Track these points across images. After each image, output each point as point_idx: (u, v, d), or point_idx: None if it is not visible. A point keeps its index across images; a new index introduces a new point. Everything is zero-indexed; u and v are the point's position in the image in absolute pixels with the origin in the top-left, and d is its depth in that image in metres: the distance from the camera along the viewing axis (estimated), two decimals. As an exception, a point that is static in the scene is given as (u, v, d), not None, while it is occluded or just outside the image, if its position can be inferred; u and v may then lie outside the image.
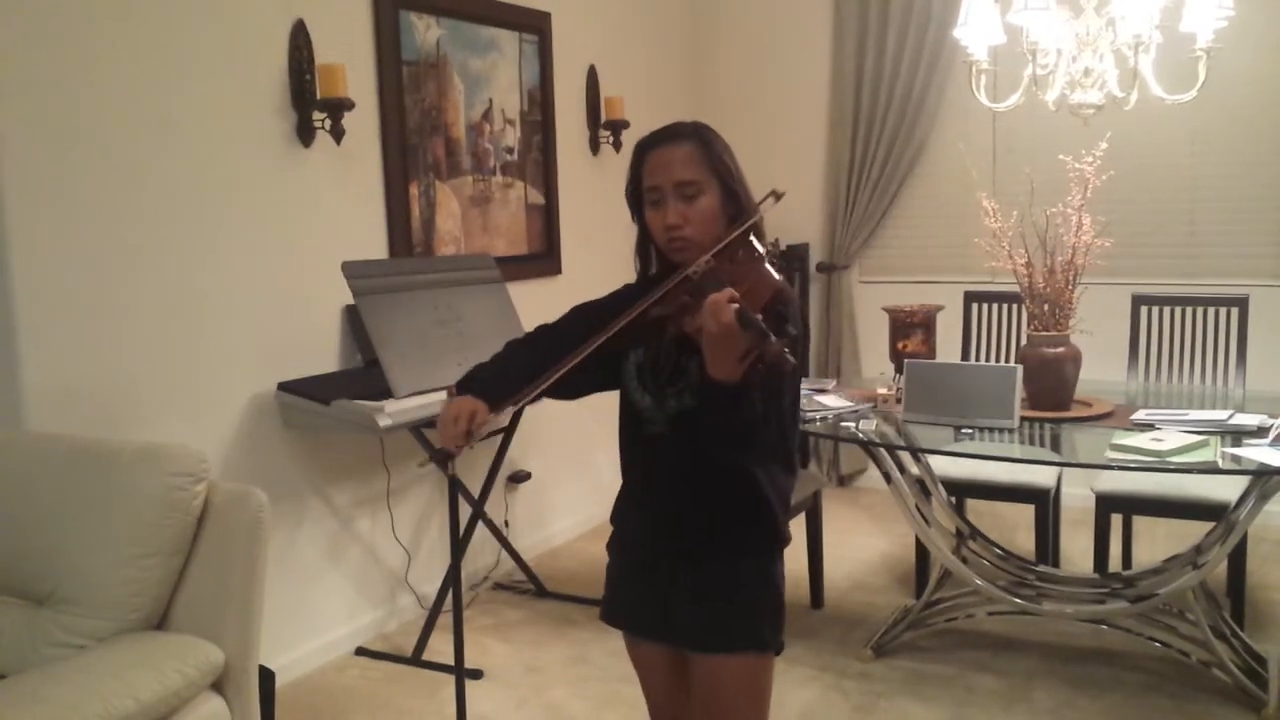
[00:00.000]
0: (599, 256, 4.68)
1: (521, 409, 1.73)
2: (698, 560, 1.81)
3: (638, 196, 1.83)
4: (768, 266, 1.69)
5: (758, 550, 1.83)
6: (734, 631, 1.80)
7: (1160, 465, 2.77)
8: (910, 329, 3.57)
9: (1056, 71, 3.32)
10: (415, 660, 3.43)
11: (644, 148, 1.82)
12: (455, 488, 2.88)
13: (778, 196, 1.81)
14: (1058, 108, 3.37)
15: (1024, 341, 3.46)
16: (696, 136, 1.80)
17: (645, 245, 1.88)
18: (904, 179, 5.08)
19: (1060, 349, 3.26)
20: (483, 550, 4.09)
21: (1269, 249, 4.50)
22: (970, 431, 3.13)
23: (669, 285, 1.69)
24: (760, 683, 1.84)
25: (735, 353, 1.48)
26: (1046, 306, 3.27)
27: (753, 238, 1.75)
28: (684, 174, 1.76)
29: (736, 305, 1.47)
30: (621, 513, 1.94)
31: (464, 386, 1.80)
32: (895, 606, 3.60)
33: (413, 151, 3.73)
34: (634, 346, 1.81)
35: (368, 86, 3.52)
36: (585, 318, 1.86)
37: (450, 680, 3.00)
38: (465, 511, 3.55)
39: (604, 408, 1.96)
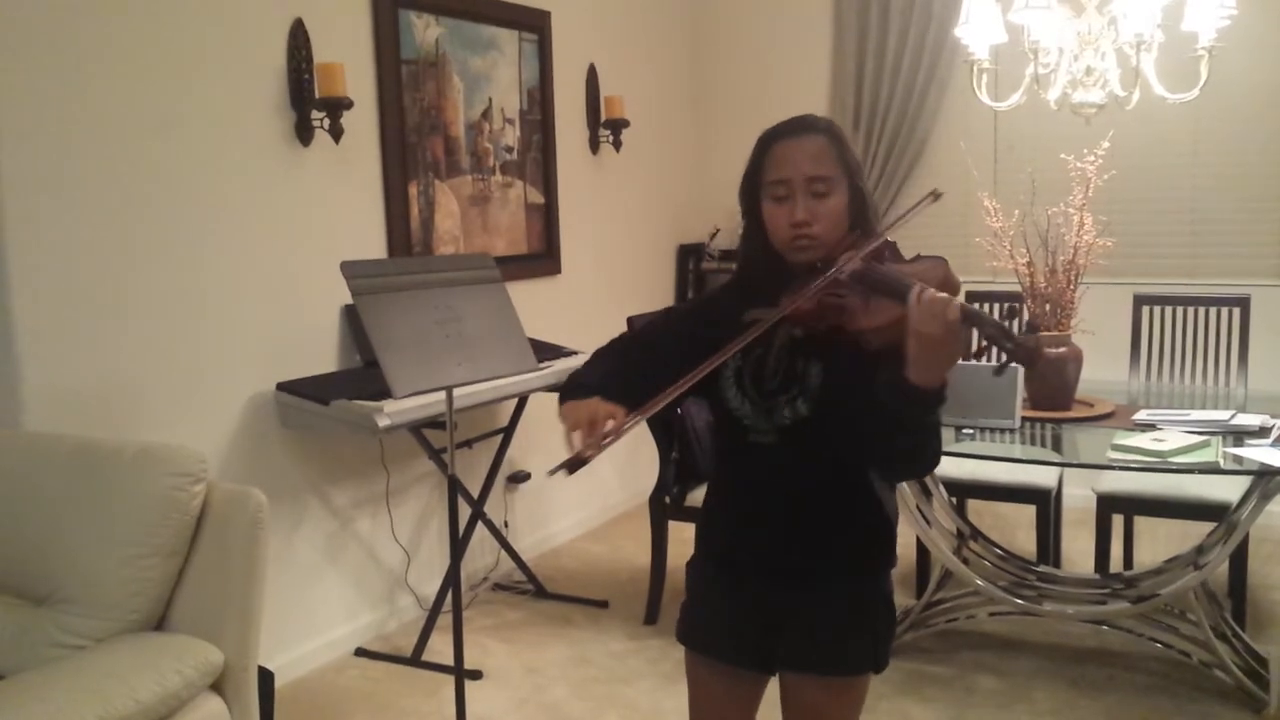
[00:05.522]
0: (599, 256, 4.68)
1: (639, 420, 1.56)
2: (817, 580, 1.71)
3: (754, 189, 1.70)
4: (949, 267, 1.53)
5: (876, 569, 1.77)
6: (856, 654, 1.74)
7: (1162, 465, 2.78)
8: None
9: (1058, 70, 3.32)
10: (415, 661, 3.43)
11: (771, 138, 1.68)
12: (455, 488, 2.88)
13: (936, 197, 1.67)
14: (1059, 107, 3.37)
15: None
16: (829, 130, 1.68)
17: (752, 243, 1.73)
18: (905, 178, 5.07)
19: (1061, 349, 3.26)
20: (482, 550, 4.08)
21: (1271, 249, 4.49)
22: (971, 432, 3.12)
23: (819, 283, 1.56)
24: (862, 700, 1.79)
25: (952, 354, 1.42)
26: (1048, 306, 3.27)
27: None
28: (816, 169, 1.63)
29: (960, 303, 1.38)
30: (718, 526, 1.82)
31: (574, 393, 1.63)
32: (896, 607, 3.58)
33: (412, 151, 3.72)
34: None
35: (367, 85, 3.51)
36: (683, 319, 1.74)
37: (450, 681, 3.00)
38: (465, 512, 3.54)
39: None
